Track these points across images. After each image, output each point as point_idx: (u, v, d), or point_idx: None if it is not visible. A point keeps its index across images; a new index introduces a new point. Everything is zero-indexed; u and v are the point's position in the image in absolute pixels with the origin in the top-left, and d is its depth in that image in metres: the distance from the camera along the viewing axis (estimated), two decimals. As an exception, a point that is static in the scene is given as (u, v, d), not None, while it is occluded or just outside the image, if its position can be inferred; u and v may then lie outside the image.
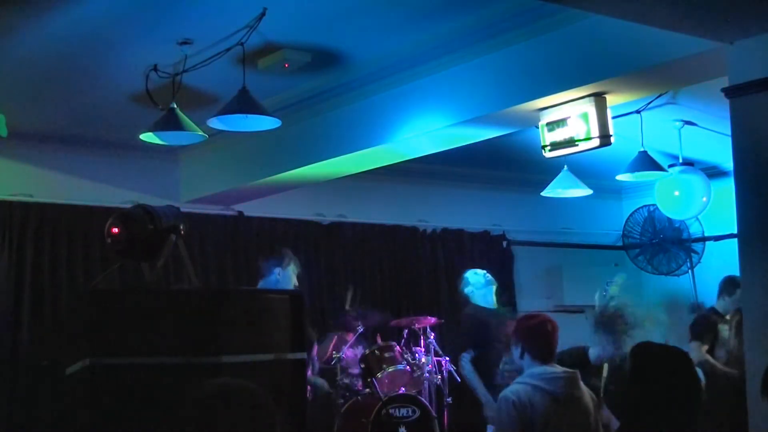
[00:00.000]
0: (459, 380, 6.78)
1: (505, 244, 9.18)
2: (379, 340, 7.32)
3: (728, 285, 7.03)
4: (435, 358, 7.15)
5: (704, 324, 7.06)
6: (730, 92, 3.98)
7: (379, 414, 6.69)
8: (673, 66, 4.38)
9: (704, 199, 7.34)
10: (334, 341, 7.23)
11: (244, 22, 4.76)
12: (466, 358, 6.57)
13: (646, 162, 6.76)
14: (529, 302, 8.93)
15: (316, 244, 8.14)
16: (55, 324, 6.84)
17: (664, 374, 2.91)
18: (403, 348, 7.21)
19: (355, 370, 7.13)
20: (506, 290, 8.85)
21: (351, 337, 7.29)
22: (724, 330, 6.80)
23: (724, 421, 5.41)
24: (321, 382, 6.88)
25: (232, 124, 5.28)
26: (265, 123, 5.28)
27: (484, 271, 6.96)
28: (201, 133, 5.41)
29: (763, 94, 3.83)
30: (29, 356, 6.75)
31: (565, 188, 7.16)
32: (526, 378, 3.92)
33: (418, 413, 6.81)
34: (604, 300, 5.43)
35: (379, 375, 6.90)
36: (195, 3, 4.63)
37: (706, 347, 6.79)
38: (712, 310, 7.29)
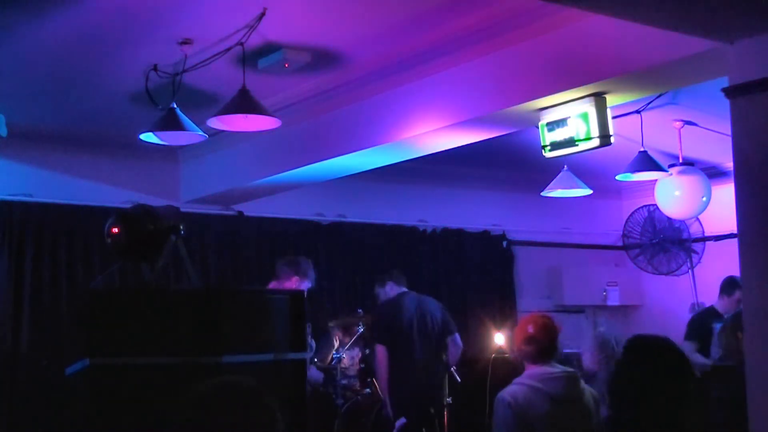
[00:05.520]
0: (459, 380, 6.76)
1: (505, 244, 9.17)
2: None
3: (727, 286, 7.11)
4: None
5: (696, 325, 7.19)
6: (730, 92, 3.97)
7: (379, 414, 6.69)
8: (673, 66, 4.38)
9: (704, 199, 7.34)
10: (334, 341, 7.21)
11: (244, 22, 4.76)
12: None
13: (646, 162, 6.75)
14: (529, 302, 8.94)
15: (316, 244, 8.14)
16: (55, 324, 6.84)
17: (649, 362, 2.93)
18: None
19: (355, 371, 7.12)
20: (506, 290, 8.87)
21: (349, 338, 7.27)
22: (720, 328, 6.85)
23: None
24: (317, 375, 6.80)
25: (232, 124, 5.28)
26: (265, 123, 5.28)
27: None
28: (201, 133, 5.41)
29: (763, 94, 3.83)
30: (29, 356, 6.75)
31: (565, 188, 7.17)
32: (524, 379, 3.92)
33: (418, 413, 6.79)
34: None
35: (378, 375, 6.90)
36: (195, 3, 4.63)
37: (696, 346, 6.91)
38: (712, 308, 7.33)
